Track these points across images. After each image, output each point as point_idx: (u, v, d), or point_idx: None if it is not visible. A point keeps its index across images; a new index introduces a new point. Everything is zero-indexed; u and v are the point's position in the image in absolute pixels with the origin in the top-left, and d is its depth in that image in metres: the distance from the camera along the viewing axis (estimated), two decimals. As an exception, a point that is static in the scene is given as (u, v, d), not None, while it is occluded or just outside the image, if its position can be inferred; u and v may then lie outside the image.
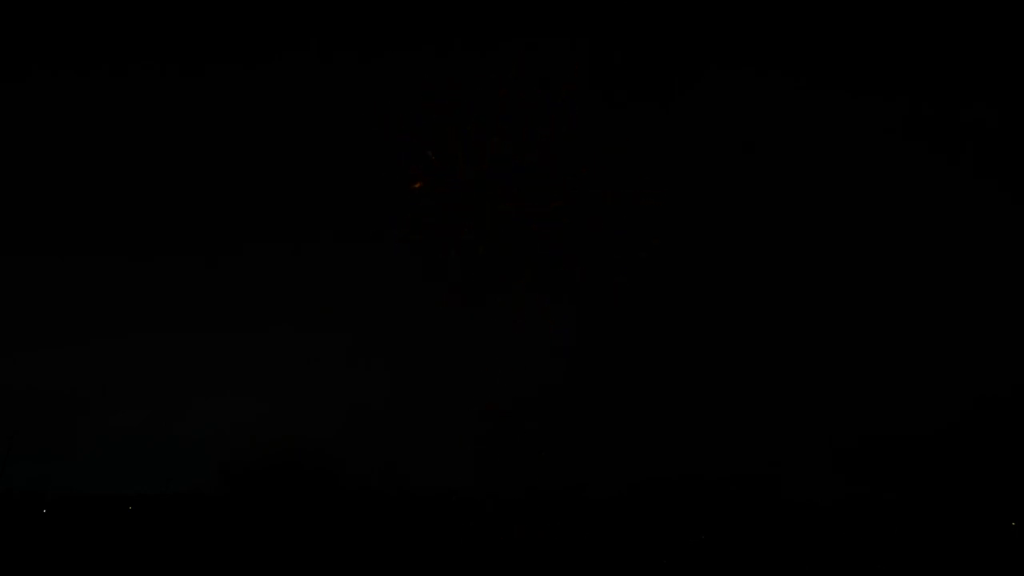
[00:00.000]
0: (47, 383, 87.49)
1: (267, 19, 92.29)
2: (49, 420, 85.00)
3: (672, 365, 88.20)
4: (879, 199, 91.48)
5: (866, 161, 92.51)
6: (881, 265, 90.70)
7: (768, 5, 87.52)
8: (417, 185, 75.95)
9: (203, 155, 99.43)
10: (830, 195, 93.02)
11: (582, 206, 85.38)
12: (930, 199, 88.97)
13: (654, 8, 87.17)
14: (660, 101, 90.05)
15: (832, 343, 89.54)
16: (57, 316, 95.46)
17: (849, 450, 79.09)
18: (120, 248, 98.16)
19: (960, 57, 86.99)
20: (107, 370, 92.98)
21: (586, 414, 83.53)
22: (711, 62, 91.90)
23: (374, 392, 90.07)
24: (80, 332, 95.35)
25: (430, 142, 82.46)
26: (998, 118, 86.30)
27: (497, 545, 62.98)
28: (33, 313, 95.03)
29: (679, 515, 67.89)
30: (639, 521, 67.13)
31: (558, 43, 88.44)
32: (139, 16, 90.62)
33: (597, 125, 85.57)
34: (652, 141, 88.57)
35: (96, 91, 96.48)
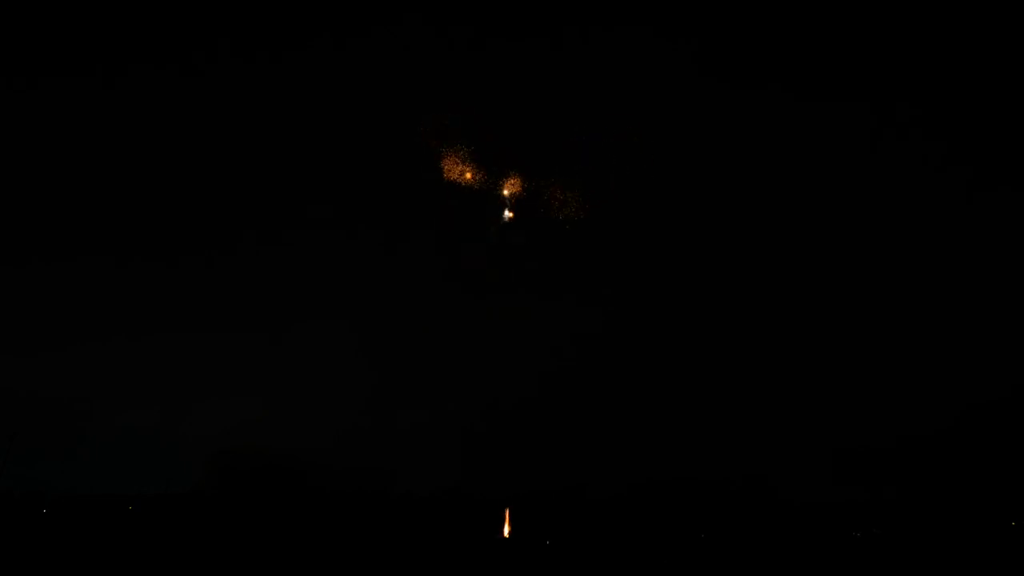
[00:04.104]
0: (48, 386, 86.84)
1: (273, 21, 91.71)
2: (52, 422, 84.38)
3: (673, 368, 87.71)
4: (880, 204, 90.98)
5: (865, 166, 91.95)
6: (878, 270, 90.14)
7: (763, 15, 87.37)
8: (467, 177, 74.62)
9: (209, 159, 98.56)
10: (831, 200, 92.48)
11: (583, 209, 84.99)
12: (928, 204, 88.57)
13: (654, 15, 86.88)
14: (660, 103, 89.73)
15: (830, 347, 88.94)
16: (56, 321, 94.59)
17: (848, 451, 78.74)
18: (117, 250, 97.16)
19: (956, 59, 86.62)
20: (105, 372, 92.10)
21: (586, 415, 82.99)
22: (710, 71, 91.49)
23: (373, 393, 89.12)
24: (78, 335, 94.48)
25: (444, 145, 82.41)
26: (995, 122, 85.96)
27: (496, 545, 62.57)
28: (33, 318, 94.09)
29: (679, 515, 67.76)
30: (639, 521, 66.98)
31: (559, 47, 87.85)
32: (139, 18, 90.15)
33: (599, 127, 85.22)
34: (651, 143, 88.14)
35: (97, 96, 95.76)
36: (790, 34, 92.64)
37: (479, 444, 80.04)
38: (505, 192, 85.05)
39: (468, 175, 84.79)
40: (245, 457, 78.61)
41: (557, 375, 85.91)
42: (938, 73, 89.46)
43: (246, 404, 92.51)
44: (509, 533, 67.49)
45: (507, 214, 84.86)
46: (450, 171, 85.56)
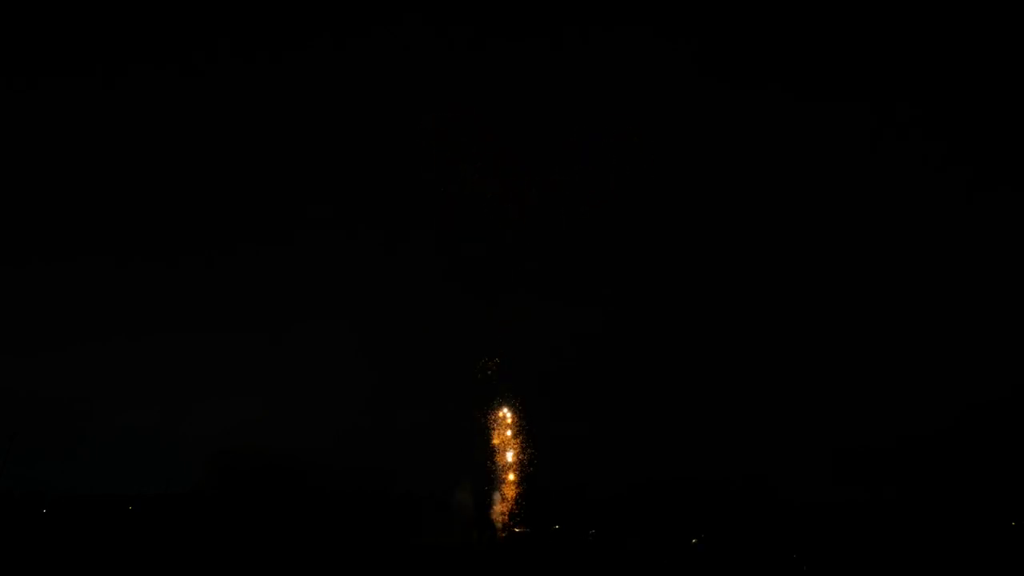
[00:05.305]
0: (48, 386, 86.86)
1: (273, 21, 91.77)
2: (52, 422, 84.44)
3: (672, 368, 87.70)
4: (880, 204, 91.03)
5: (865, 166, 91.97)
6: (878, 270, 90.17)
7: (763, 15, 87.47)
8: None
9: (209, 158, 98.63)
10: (832, 200, 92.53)
11: (583, 212, 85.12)
12: (928, 204, 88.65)
13: (654, 15, 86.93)
14: (659, 103, 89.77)
15: (830, 347, 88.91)
16: (56, 321, 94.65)
17: (848, 451, 78.75)
18: (117, 250, 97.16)
19: (956, 59, 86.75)
20: (105, 372, 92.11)
21: (586, 415, 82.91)
22: (710, 71, 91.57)
23: (373, 393, 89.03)
24: (78, 335, 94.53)
25: (449, 148, 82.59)
26: (995, 122, 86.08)
27: (496, 545, 62.51)
28: (33, 318, 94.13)
29: (679, 515, 67.75)
30: (639, 521, 66.95)
31: (559, 47, 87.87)
32: (139, 18, 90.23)
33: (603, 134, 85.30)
34: (651, 143, 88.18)
35: (97, 96, 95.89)
36: (790, 34, 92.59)
37: (476, 445, 79.99)
38: (505, 192, 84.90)
39: (468, 175, 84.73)
40: (245, 457, 78.54)
41: (557, 375, 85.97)
42: (938, 73, 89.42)
43: (246, 404, 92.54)
44: (506, 531, 67.60)
45: (508, 214, 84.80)
46: (450, 171, 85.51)
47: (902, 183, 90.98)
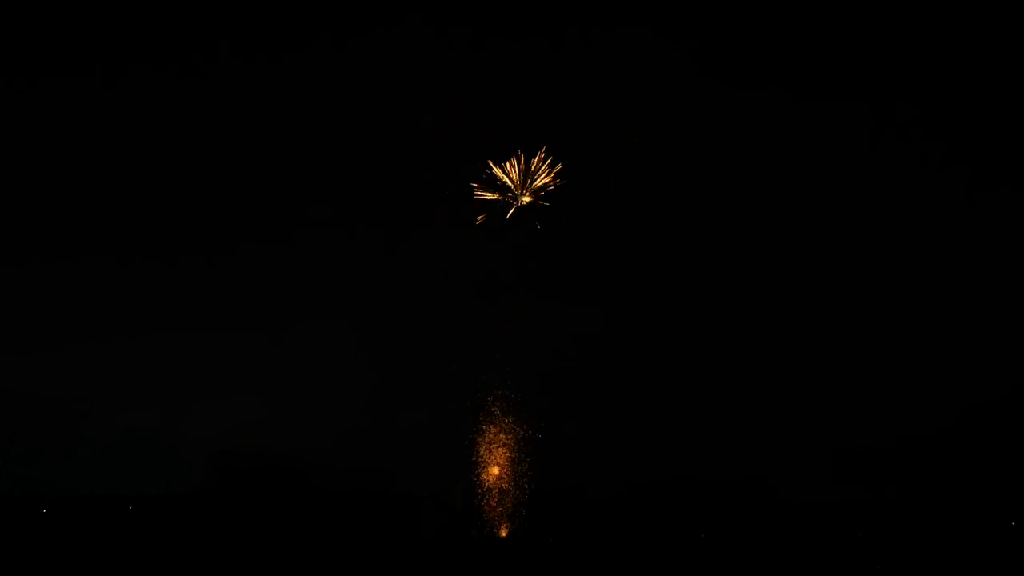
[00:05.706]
0: (48, 386, 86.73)
1: (273, 21, 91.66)
2: (52, 422, 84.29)
3: (673, 368, 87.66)
4: (880, 204, 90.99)
5: (865, 166, 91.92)
6: (878, 270, 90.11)
7: (763, 15, 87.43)
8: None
9: (209, 159, 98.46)
10: (832, 200, 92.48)
11: (583, 212, 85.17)
12: (928, 204, 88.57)
13: (654, 15, 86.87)
14: (659, 103, 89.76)
15: (830, 347, 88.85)
16: (56, 321, 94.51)
17: (848, 451, 78.69)
18: (117, 250, 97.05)
19: (956, 59, 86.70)
20: (105, 372, 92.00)
21: (586, 415, 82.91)
22: (710, 71, 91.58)
23: (373, 393, 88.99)
24: (78, 335, 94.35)
25: (446, 147, 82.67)
26: (995, 122, 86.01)
27: (495, 545, 62.48)
28: (33, 318, 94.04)
29: (679, 515, 67.78)
30: (639, 521, 66.95)
31: (559, 47, 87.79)
32: (139, 18, 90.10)
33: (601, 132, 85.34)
34: (651, 143, 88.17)
35: (97, 96, 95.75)
36: (790, 34, 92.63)
37: (476, 445, 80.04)
38: (505, 192, 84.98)
39: (468, 175, 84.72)
40: (245, 457, 78.61)
41: (557, 375, 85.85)
42: (938, 73, 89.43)
43: (246, 404, 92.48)
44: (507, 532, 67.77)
45: (508, 214, 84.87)
46: (450, 171, 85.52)
47: (902, 183, 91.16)
